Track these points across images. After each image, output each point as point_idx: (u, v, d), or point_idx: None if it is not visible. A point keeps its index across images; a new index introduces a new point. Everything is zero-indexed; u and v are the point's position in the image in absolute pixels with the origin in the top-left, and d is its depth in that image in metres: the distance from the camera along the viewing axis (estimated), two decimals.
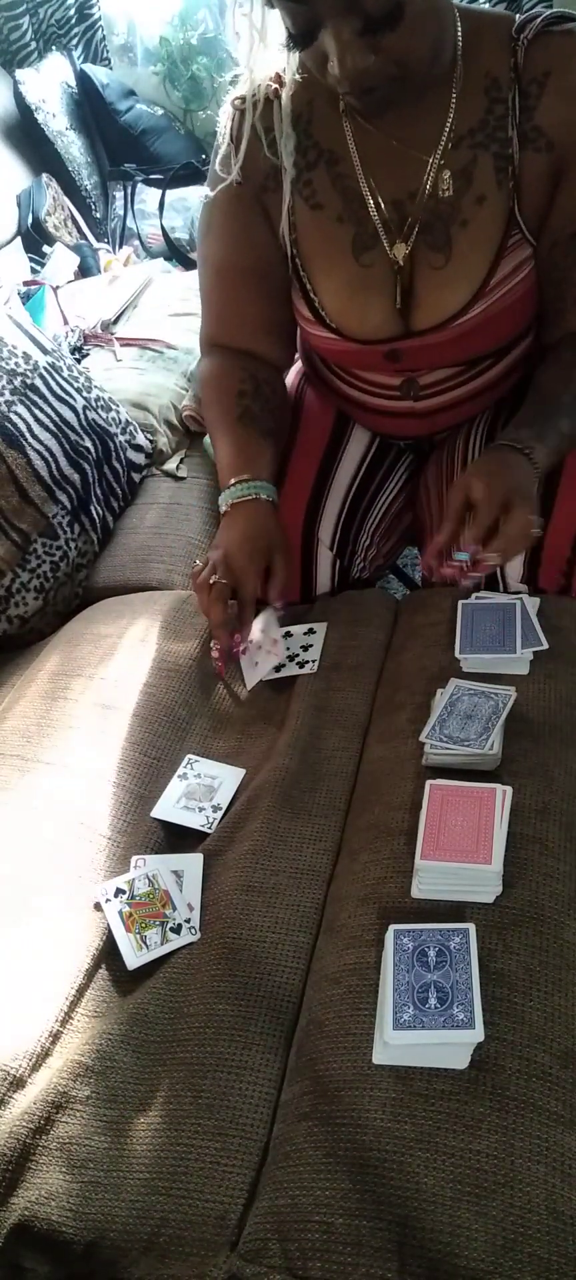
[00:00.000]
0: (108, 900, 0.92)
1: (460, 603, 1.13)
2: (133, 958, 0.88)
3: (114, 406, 1.59)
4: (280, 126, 1.14)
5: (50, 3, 2.74)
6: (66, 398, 1.47)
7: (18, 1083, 0.80)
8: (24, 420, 1.39)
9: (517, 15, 1.11)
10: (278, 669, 1.16)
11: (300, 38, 0.98)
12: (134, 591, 1.39)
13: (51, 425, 1.42)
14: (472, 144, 1.10)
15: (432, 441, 1.36)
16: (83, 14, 2.83)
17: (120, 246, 2.61)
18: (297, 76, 1.12)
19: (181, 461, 1.67)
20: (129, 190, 2.65)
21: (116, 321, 2.00)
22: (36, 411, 1.41)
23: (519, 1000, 0.77)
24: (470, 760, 0.94)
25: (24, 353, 1.46)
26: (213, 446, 1.30)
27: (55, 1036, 0.84)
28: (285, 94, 1.14)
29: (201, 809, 1.02)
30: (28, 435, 1.39)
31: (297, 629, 1.21)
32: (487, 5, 2.34)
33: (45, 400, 1.43)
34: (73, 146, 2.68)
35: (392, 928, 0.80)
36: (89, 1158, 0.76)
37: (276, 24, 1.03)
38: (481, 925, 0.80)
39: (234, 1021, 0.82)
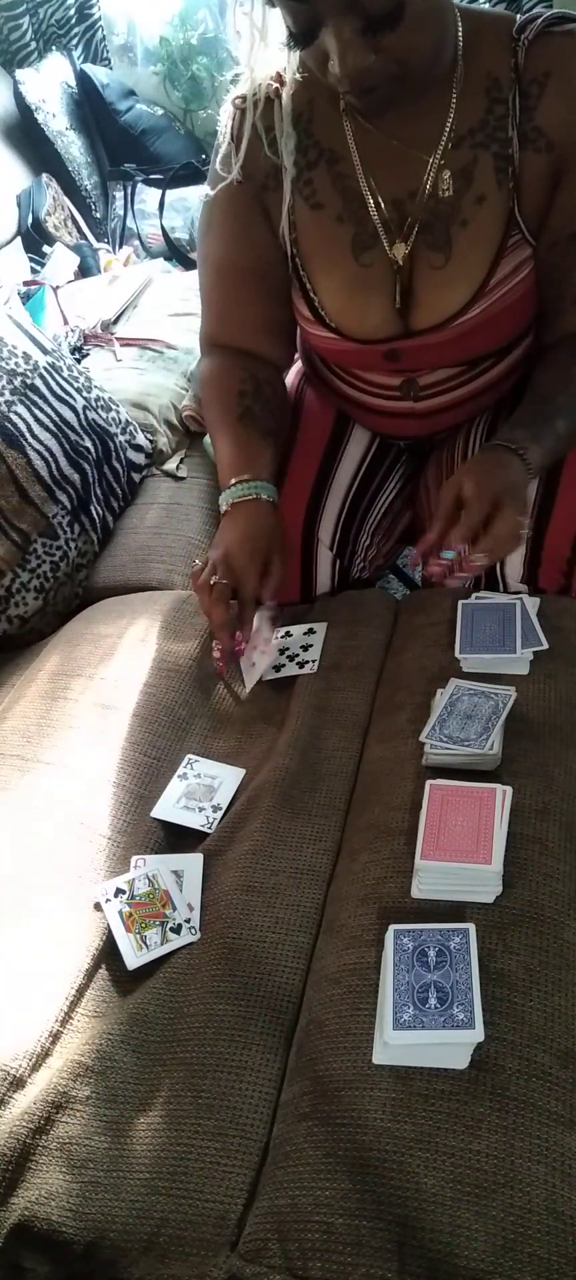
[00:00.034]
0: (108, 900, 0.92)
1: (460, 603, 1.13)
2: (133, 958, 0.88)
3: (114, 406, 1.59)
4: (280, 126, 1.14)
5: (50, 3, 2.74)
6: (66, 398, 1.47)
7: (18, 1083, 0.80)
8: (24, 420, 1.39)
9: (518, 15, 1.11)
10: (277, 669, 1.16)
11: (301, 36, 0.98)
12: (134, 591, 1.39)
13: (51, 425, 1.42)
14: (473, 144, 1.10)
15: (432, 441, 1.36)
16: (83, 14, 2.83)
17: (120, 246, 2.61)
18: (298, 76, 1.12)
19: (181, 461, 1.67)
20: (129, 190, 2.65)
21: (116, 321, 2.00)
22: (36, 411, 1.41)
23: (519, 1000, 0.77)
24: (470, 760, 0.94)
25: (24, 353, 1.46)
26: (213, 446, 1.30)
27: (55, 1036, 0.84)
28: (286, 93, 1.14)
29: (201, 809, 1.03)
30: (28, 435, 1.39)
31: (297, 629, 1.21)
32: (488, 5, 2.34)
33: (45, 400, 1.43)
34: (73, 146, 2.68)
35: (392, 928, 0.80)
36: (89, 1158, 0.76)
37: (277, 23, 1.03)
38: (481, 925, 0.80)
39: (234, 1021, 0.82)
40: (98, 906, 0.92)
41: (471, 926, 0.79)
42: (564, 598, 1.16)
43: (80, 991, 0.87)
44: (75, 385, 1.51)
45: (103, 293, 2.12)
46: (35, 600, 1.39)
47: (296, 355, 1.41)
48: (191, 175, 2.61)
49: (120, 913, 0.91)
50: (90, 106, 2.74)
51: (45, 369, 1.46)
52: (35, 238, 2.47)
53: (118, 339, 1.90)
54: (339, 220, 1.16)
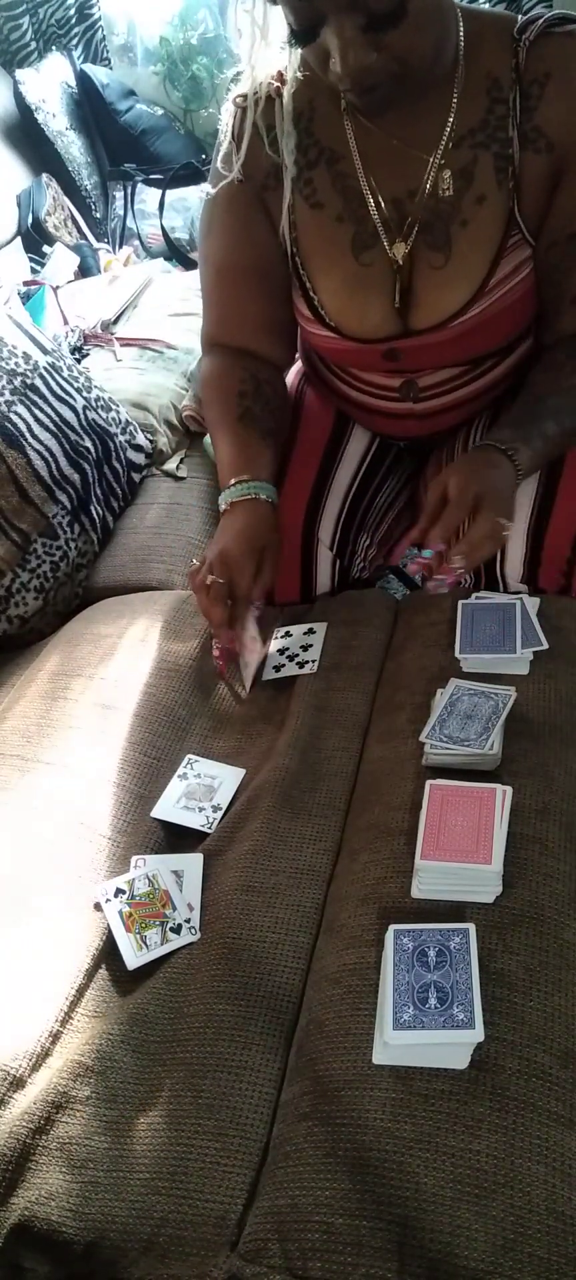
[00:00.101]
0: (108, 900, 0.92)
1: (460, 603, 1.13)
2: (133, 958, 0.88)
3: (114, 406, 1.59)
4: (281, 124, 1.14)
5: (50, 3, 2.74)
6: (66, 398, 1.47)
7: (18, 1083, 0.80)
8: (24, 420, 1.39)
9: (519, 16, 1.11)
10: (277, 669, 1.17)
11: (302, 34, 0.98)
12: (134, 591, 1.39)
13: (51, 425, 1.42)
14: (473, 144, 1.10)
15: (432, 441, 1.36)
16: (83, 14, 2.83)
17: (120, 246, 2.61)
18: (299, 74, 1.12)
19: (181, 461, 1.67)
20: (129, 190, 2.65)
21: (116, 321, 2.00)
22: (36, 411, 1.41)
23: (519, 1000, 0.77)
24: (470, 760, 0.94)
25: (24, 353, 1.46)
26: (213, 446, 1.30)
27: (55, 1036, 0.84)
28: (286, 92, 1.14)
29: (201, 809, 1.02)
30: (28, 435, 1.39)
31: (297, 629, 1.21)
32: (488, 6, 2.35)
33: (45, 400, 1.43)
34: (73, 146, 2.68)
35: (392, 928, 0.80)
36: (89, 1158, 0.76)
37: (278, 21, 1.03)
38: (481, 925, 0.80)
39: (234, 1021, 0.82)
40: (98, 906, 0.92)
41: (471, 926, 0.79)
42: (564, 598, 1.16)
43: (80, 991, 0.87)
44: (75, 385, 1.51)
45: (103, 293, 2.12)
46: (35, 600, 1.39)
47: (296, 355, 1.41)
48: (191, 175, 2.61)
49: (120, 913, 0.91)
50: (90, 106, 2.74)
51: (45, 369, 1.46)
52: (35, 238, 2.47)
53: (118, 339, 1.90)
54: (339, 219, 1.16)
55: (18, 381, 1.41)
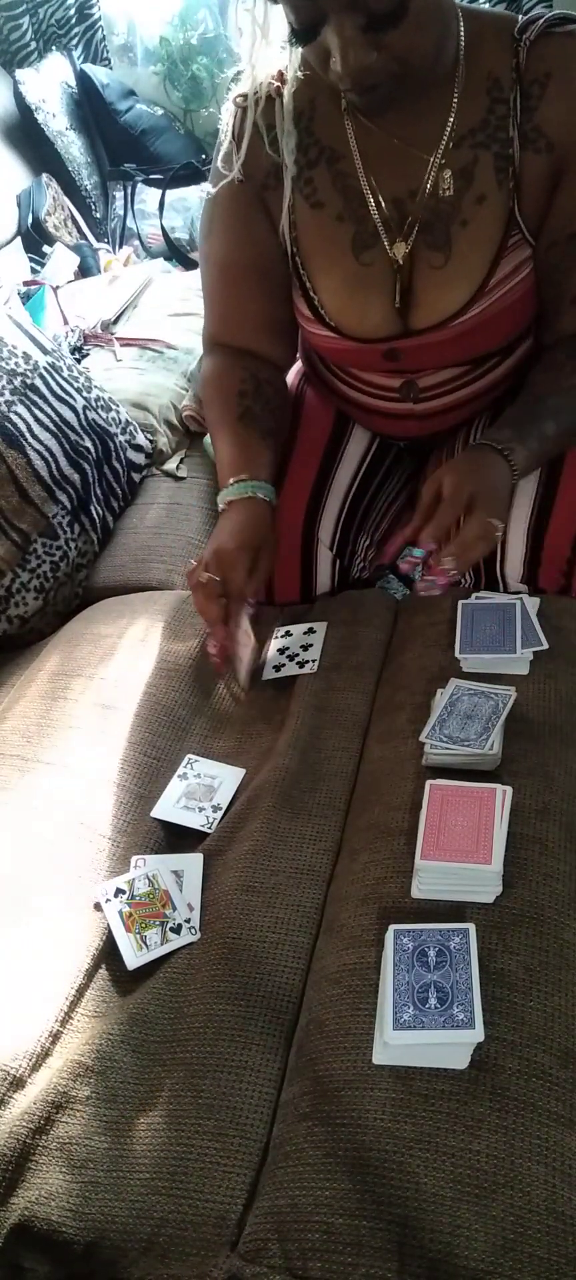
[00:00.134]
0: (108, 900, 0.92)
1: (460, 603, 1.13)
2: (133, 958, 0.88)
3: (114, 406, 1.59)
4: (281, 124, 1.14)
5: (50, 3, 2.74)
6: (66, 398, 1.47)
7: (18, 1083, 0.80)
8: (24, 420, 1.39)
9: (519, 16, 1.11)
10: (277, 669, 1.17)
11: (303, 33, 0.98)
12: (134, 591, 1.39)
13: (51, 425, 1.42)
14: (473, 144, 1.10)
15: (433, 441, 1.36)
16: (83, 14, 2.83)
17: (120, 246, 2.61)
18: (299, 74, 1.12)
19: (181, 461, 1.67)
20: (129, 190, 2.65)
21: (116, 321, 2.00)
22: (36, 411, 1.41)
23: (519, 1000, 0.76)
24: (470, 760, 0.94)
25: (24, 353, 1.46)
26: (213, 445, 1.30)
27: (55, 1036, 0.84)
28: (287, 91, 1.14)
29: (201, 809, 1.02)
30: (28, 435, 1.39)
31: (297, 629, 1.21)
32: (488, 6, 2.34)
33: (45, 400, 1.43)
34: (73, 146, 2.68)
35: (392, 928, 0.80)
36: (89, 1158, 0.76)
37: (279, 20, 1.03)
38: (481, 925, 0.80)
39: (234, 1021, 0.82)
40: (98, 906, 0.92)
41: (471, 926, 0.79)
42: (564, 598, 1.16)
43: (80, 991, 0.87)
44: (75, 385, 1.51)
45: (103, 293, 2.12)
46: (35, 600, 1.39)
47: (297, 355, 1.41)
48: (191, 175, 2.61)
49: (120, 913, 0.91)
50: (90, 106, 2.74)
51: (45, 369, 1.46)
52: (35, 238, 2.47)
53: (118, 339, 1.90)
54: (339, 219, 1.16)
55: (18, 381, 1.41)
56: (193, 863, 0.96)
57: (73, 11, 2.80)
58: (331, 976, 0.83)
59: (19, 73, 2.61)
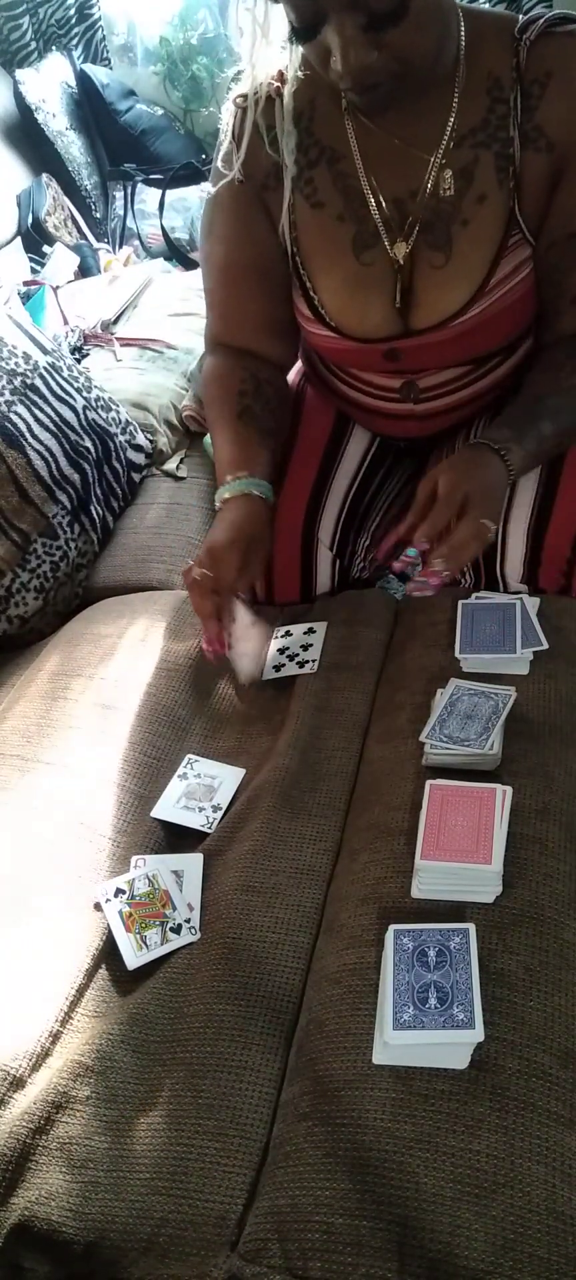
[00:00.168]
0: (108, 900, 0.92)
1: (460, 603, 1.13)
2: (133, 958, 0.88)
3: (114, 406, 1.59)
4: (281, 124, 1.14)
5: (50, 3, 2.74)
6: (66, 398, 1.47)
7: (18, 1083, 0.80)
8: (24, 420, 1.39)
9: (520, 16, 1.11)
10: (277, 669, 1.16)
11: (303, 31, 0.98)
12: (134, 591, 1.39)
13: (51, 425, 1.42)
14: (474, 143, 1.10)
15: (433, 441, 1.36)
16: (83, 14, 2.83)
17: (120, 246, 2.62)
18: (300, 74, 1.12)
19: (181, 461, 1.67)
20: (129, 190, 2.65)
21: (116, 321, 2.00)
22: (36, 411, 1.41)
23: (519, 1000, 0.76)
24: (470, 760, 0.94)
25: (24, 353, 1.46)
26: (213, 444, 1.30)
27: (55, 1036, 0.84)
28: (287, 91, 1.14)
29: (201, 809, 1.02)
30: (28, 435, 1.39)
31: (297, 629, 1.21)
32: (488, 6, 2.34)
33: (45, 400, 1.43)
34: (73, 146, 2.68)
35: (392, 928, 0.80)
36: (89, 1158, 0.76)
37: (279, 19, 1.03)
38: (481, 925, 0.80)
39: (234, 1021, 0.82)
40: (98, 906, 0.92)
41: (471, 926, 0.79)
42: (564, 598, 1.16)
43: (80, 991, 0.87)
44: (75, 385, 1.51)
45: (103, 293, 2.12)
46: (35, 600, 1.39)
47: (298, 355, 1.41)
48: (191, 175, 2.61)
49: (120, 913, 0.91)
50: (90, 106, 2.74)
51: (45, 369, 1.47)
52: (35, 238, 2.47)
53: (118, 339, 1.91)
54: (339, 219, 1.16)
55: (18, 381, 1.41)
56: (193, 863, 0.96)
57: (73, 11, 2.80)
58: (331, 976, 0.83)
59: (19, 73, 2.61)
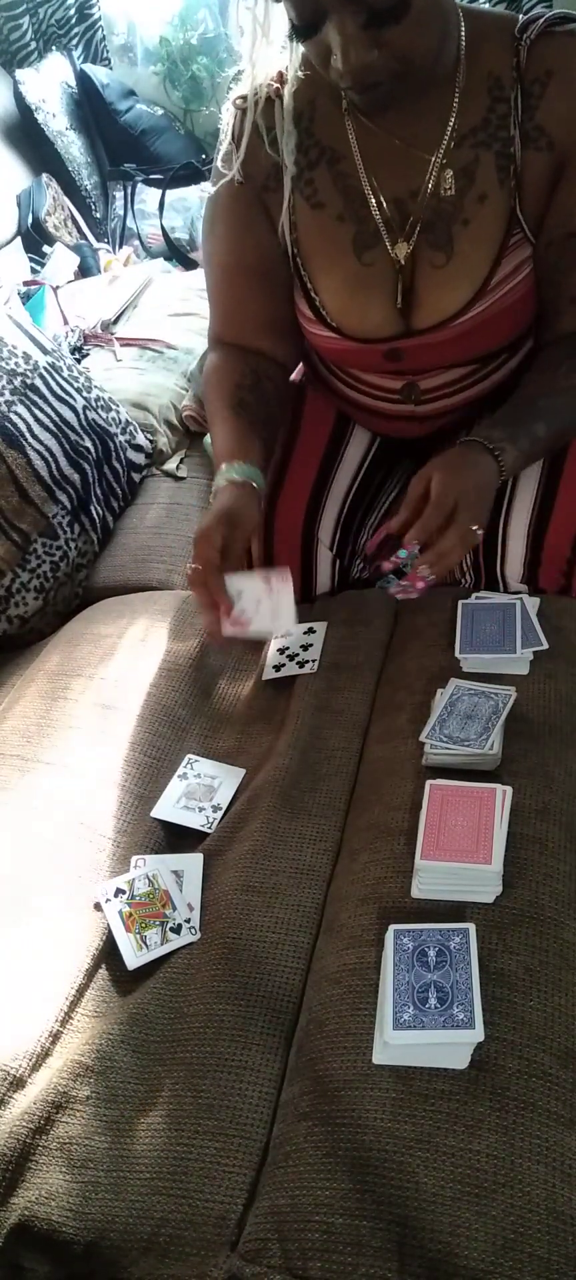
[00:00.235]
0: (108, 900, 0.92)
1: (460, 603, 1.13)
2: (133, 958, 0.88)
3: (114, 406, 1.59)
4: (281, 124, 1.14)
5: (50, 3, 2.74)
6: (66, 398, 1.47)
7: (18, 1083, 0.80)
8: (24, 420, 1.39)
9: (520, 16, 1.11)
10: (277, 669, 1.16)
11: (304, 29, 0.98)
12: (134, 591, 1.39)
13: (51, 425, 1.42)
14: (475, 143, 1.10)
15: (434, 441, 1.36)
16: (83, 14, 2.83)
17: (120, 246, 2.62)
18: (300, 74, 1.12)
19: (181, 461, 1.67)
20: (129, 190, 2.65)
21: (116, 321, 2.01)
22: (36, 411, 1.41)
23: (519, 1000, 0.76)
24: (470, 760, 0.94)
25: (24, 353, 1.46)
26: (211, 440, 1.30)
27: (55, 1036, 0.84)
28: (287, 90, 1.14)
29: (201, 809, 1.02)
30: (28, 435, 1.39)
31: (297, 629, 1.21)
32: (489, 5, 2.34)
33: (45, 400, 1.43)
34: (73, 146, 2.68)
35: (392, 928, 0.80)
36: (89, 1158, 0.76)
37: (279, 18, 1.03)
38: (481, 925, 0.80)
39: (234, 1021, 0.82)
40: (98, 906, 0.92)
41: (471, 926, 0.79)
42: (564, 598, 1.16)
43: (80, 991, 0.87)
44: (75, 385, 1.51)
45: (103, 293, 2.12)
46: (35, 600, 1.39)
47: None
48: (191, 175, 2.61)
49: (120, 913, 0.91)
50: (90, 106, 2.74)
51: (45, 369, 1.46)
52: (35, 238, 2.47)
53: (118, 339, 1.91)
54: (340, 219, 1.16)
55: (18, 381, 1.41)
56: (193, 863, 0.96)
57: (73, 11, 2.80)
58: (331, 976, 0.83)
59: (19, 73, 2.61)
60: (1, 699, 1.24)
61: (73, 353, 1.87)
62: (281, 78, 1.14)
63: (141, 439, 1.64)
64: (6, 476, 1.35)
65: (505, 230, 1.12)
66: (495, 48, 1.09)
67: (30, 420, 1.40)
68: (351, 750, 1.05)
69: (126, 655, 1.20)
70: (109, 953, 0.90)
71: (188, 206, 2.53)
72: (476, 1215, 0.67)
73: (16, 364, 1.43)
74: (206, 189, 1.25)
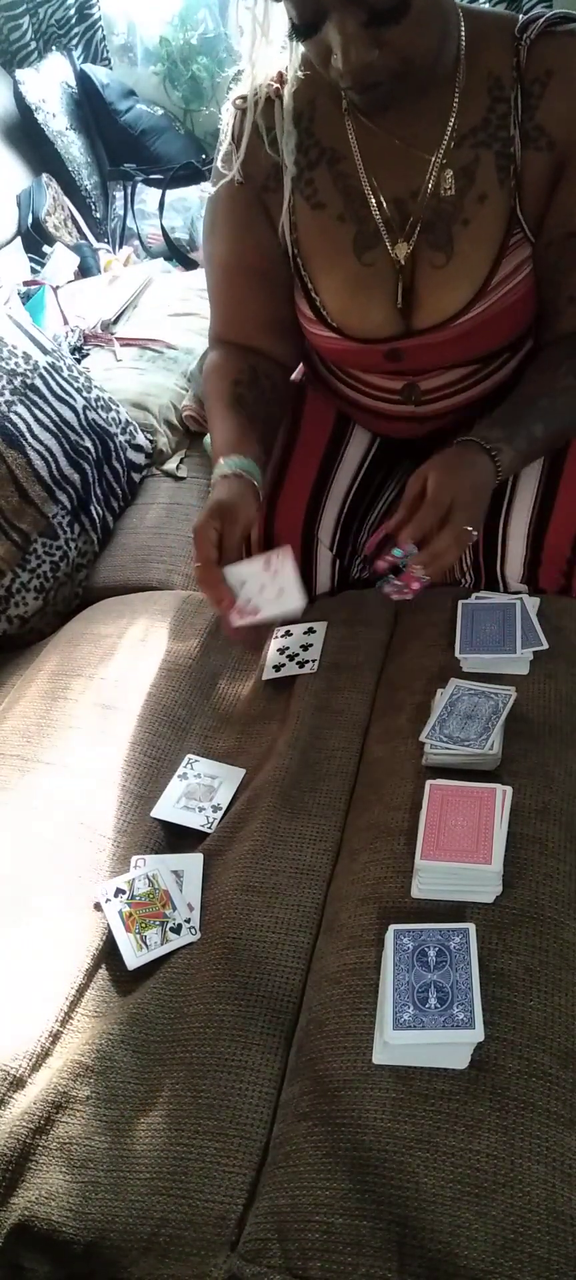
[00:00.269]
0: (108, 900, 0.92)
1: (460, 603, 1.13)
2: (133, 958, 0.88)
3: (114, 406, 1.59)
4: (281, 124, 1.14)
5: (50, 3, 2.74)
6: (66, 398, 1.47)
7: (18, 1083, 0.80)
8: (24, 420, 1.39)
9: (520, 16, 1.11)
10: (277, 669, 1.16)
11: (304, 29, 0.98)
12: (134, 591, 1.39)
13: (51, 425, 1.42)
14: (475, 143, 1.10)
15: (433, 443, 1.36)
16: (83, 14, 2.83)
17: (120, 246, 2.62)
18: (300, 74, 1.12)
19: (181, 461, 1.67)
20: (129, 190, 2.66)
21: (116, 321, 2.01)
22: (36, 411, 1.41)
23: (519, 1000, 0.76)
24: (470, 760, 0.94)
25: (24, 353, 1.46)
26: (210, 436, 1.30)
27: (55, 1036, 0.84)
28: (287, 90, 1.14)
29: (201, 809, 1.02)
30: (28, 435, 1.39)
31: (297, 629, 1.21)
32: (489, 5, 2.34)
33: (45, 400, 1.43)
34: (73, 146, 2.68)
35: (392, 928, 0.80)
36: (89, 1158, 0.76)
37: (279, 18, 1.03)
38: (481, 925, 0.80)
39: (234, 1021, 0.82)
40: (98, 906, 0.92)
41: (471, 926, 0.79)
42: (564, 598, 1.16)
43: (80, 991, 0.87)
44: (75, 385, 1.51)
45: (103, 293, 2.12)
46: (35, 600, 1.39)
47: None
48: (191, 175, 2.61)
49: (120, 913, 0.91)
50: (90, 106, 2.74)
51: (45, 369, 1.47)
52: (35, 238, 2.47)
53: (118, 339, 1.91)
54: (340, 219, 1.16)
55: (18, 381, 1.41)
56: (193, 863, 0.96)
57: (73, 11, 2.80)
58: (331, 976, 0.83)
59: (19, 73, 2.61)
60: (1, 699, 1.24)
61: (73, 353, 1.87)
62: (281, 78, 1.14)
63: (141, 439, 1.64)
64: (6, 476, 1.35)
65: (505, 230, 1.12)
66: (495, 47, 1.09)
67: (30, 420, 1.40)
68: (351, 750, 1.05)
69: (126, 655, 1.20)
70: (109, 953, 0.90)
71: (188, 206, 2.53)
72: (476, 1215, 0.67)
73: (16, 364, 1.43)
74: (206, 189, 1.25)
